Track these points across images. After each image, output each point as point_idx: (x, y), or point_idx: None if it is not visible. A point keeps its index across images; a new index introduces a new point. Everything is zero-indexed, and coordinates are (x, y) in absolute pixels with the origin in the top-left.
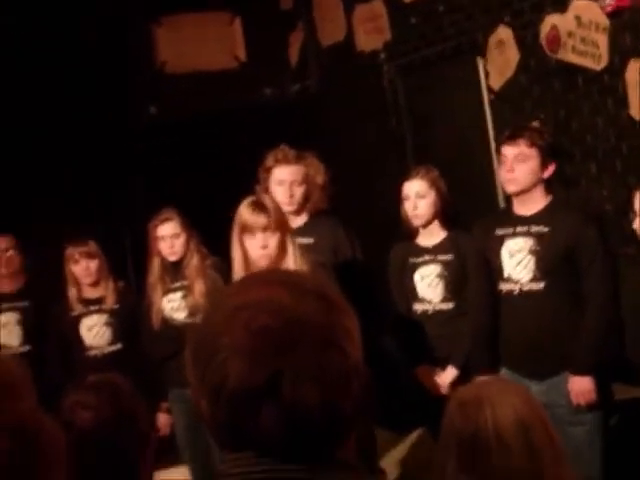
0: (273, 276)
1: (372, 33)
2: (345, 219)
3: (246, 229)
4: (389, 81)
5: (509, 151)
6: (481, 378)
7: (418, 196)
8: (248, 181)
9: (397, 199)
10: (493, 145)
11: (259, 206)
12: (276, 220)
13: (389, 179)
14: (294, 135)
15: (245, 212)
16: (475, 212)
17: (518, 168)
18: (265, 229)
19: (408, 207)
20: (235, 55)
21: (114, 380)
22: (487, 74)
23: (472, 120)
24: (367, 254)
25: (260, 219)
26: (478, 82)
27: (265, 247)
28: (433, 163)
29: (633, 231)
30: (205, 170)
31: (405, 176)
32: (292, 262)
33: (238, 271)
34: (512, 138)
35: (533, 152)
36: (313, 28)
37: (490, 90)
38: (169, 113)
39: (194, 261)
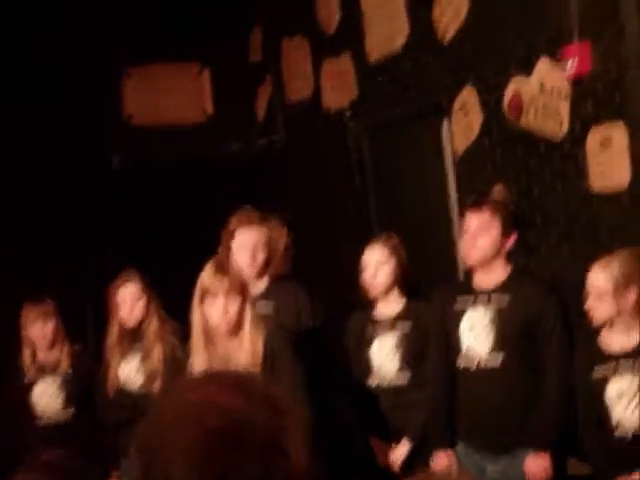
0: (227, 378)
1: (339, 90)
2: (307, 284)
3: (207, 293)
4: (354, 140)
5: (471, 221)
6: (430, 473)
7: (378, 264)
8: (212, 237)
9: (359, 264)
10: (455, 209)
11: (222, 270)
12: (238, 285)
13: (352, 242)
14: (259, 190)
15: (207, 276)
16: (436, 280)
17: (480, 238)
18: (227, 293)
19: (367, 275)
20: (203, 108)
21: (65, 460)
22: (451, 136)
23: (435, 183)
24: (328, 320)
25: (222, 283)
26: (442, 144)
27: (226, 312)
28: (396, 226)
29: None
30: (170, 225)
31: (366, 243)
32: (248, 333)
33: (197, 336)
34: (475, 207)
35: (495, 222)
36: (281, 82)
37: (453, 153)
38: (134, 165)
39: (153, 325)
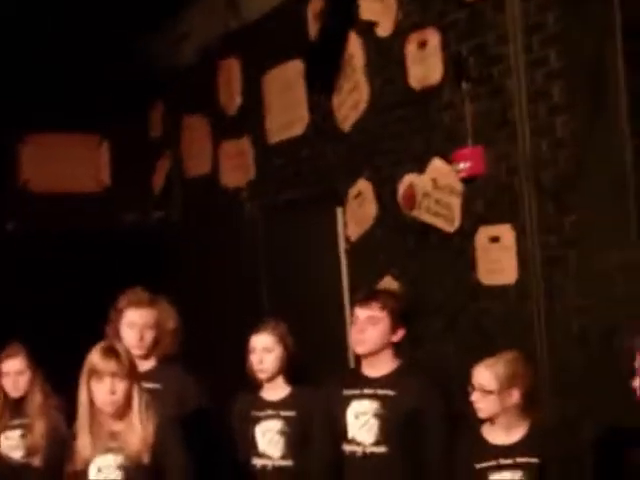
0: None
1: (237, 170)
2: (194, 365)
3: (95, 373)
4: (250, 220)
5: (361, 313)
6: None
7: (265, 350)
8: (102, 311)
9: (247, 347)
10: (347, 295)
11: (111, 352)
12: (126, 367)
13: (242, 323)
14: (153, 263)
15: (96, 356)
16: (325, 367)
17: (368, 330)
18: (114, 375)
19: (254, 360)
20: (99, 179)
21: None
22: (345, 224)
23: (328, 268)
24: (216, 402)
25: (110, 365)
26: (336, 231)
27: (113, 393)
28: (287, 309)
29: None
30: (59, 293)
31: (255, 326)
32: (137, 416)
33: (83, 415)
34: (365, 300)
35: (384, 316)
36: (180, 158)
37: (347, 240)
38: (27, 230)
39: (37, 399)
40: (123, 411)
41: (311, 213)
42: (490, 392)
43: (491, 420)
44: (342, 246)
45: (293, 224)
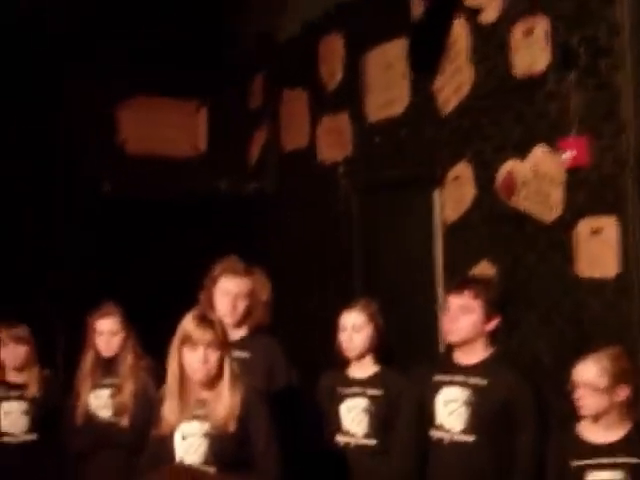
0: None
1: (334, 146)
2: (284, 338)
3: (188, 341)
4: (345, 196)
5: (453, 301)
6: None
7: (354, 329)
8: (194, 277)
9: (337, 324)
10: (441, 279)
11: (206, 321)
12: (220, 338)
13: (333, 300)
14: (245, 233)
15: (190, 325)
16: (413, 350)
17: (461, 319)
18: (209, 345)
19: (343, 338)
20: (196, 144)
21: None
22: (442, 206)
23: (422, 251)
24: (304, 376)
25: (206, 335)
26: (432, 213)
27: (206, 362)
28: (378, 289)
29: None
30: (153, 257)
31: (345, 305)
32: (227, 386)
33: (172, 381)
34: (458, 288)
35: (477, 304)
36: (277, 131)
37: (443, 223)
38: (124, 191)
39: (128, 360)
40: (213, 380)
41: (408, 193)
42: (597, 388)
43: (594, 417)
44: (438, 229)
45: (389, 204)
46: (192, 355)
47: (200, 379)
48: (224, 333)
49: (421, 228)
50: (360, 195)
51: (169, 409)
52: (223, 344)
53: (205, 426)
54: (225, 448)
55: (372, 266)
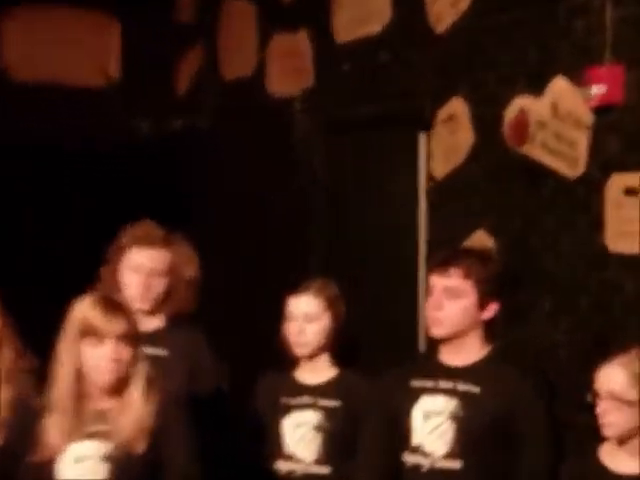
0: None
1: (289, 74)
2: (212, 331)
3: (92, 333)
4: (302, 140)
5: (438, 282)
6: None
7: (306, 318)
8: (96, 248)
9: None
10: (423, 253)
11: (114, 307)
12: (133, 330)
13: (281, 279)
14: (168, 187)
15: (93, 311)
16: (386, 347)
17: (447, 306)
18: (120, 338)
19: (292, 330)
20: (106, 71)
21: None
22: (430, 155)
23: (400, 216)
24: (237, 380)
25: (116, 324)
26: (416, 164)
27: (117, 360)
28: (341, 265)
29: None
30: (40, 223)
31: (295, 287)
32: (137, 393)
33: (62, 388)
34: (443, 265)
35: (469, 286)
36: (214, 53)
37: (430, 178)
38: (6, 134)
39: (4, 359)
40: (119, 385)
41: (385, 138)
42: (627, 402)
43: (619, 440)
44: (422, 185)
45: (360, 151)
46: (97, 351)
47: (107, 382)
48: (136, 325)
49: (401, 185)
50: (322, 139)
51: (56, 425)
52: (135, 337)
53: (105, 446)
54: (132, 475)
55: (334, 235)
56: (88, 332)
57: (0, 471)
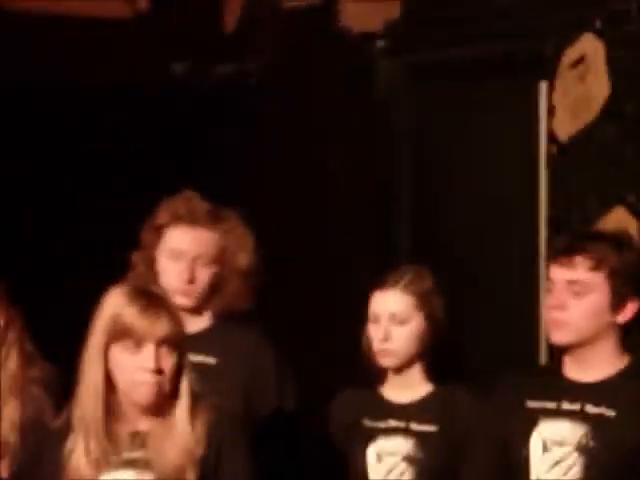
0: None
1: (370, 3)
2: (274, 333)
3: (126, 337)
4: (385, 86)
5: (561, 275)
6: None
7: (395, 320)
8: (125, 228)
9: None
10: (544, 234)
11: (155, 303)
12: (179, 333)
13: (359, 269)
14: (210, 152)
15: (128, 310)
16: (495, 360)
17: (573, 305)
18: (163, 342)
19: (375, 333)
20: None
21: None
22: (552, 110)
23: (513, 186)
24: (308, 397)
25: (158, 326)
26: (535, 121)
27: (160, 371)
28: (436, 249)
29: None
30: (53, 194)
31: (380, 280)
32: (184, 412)
33: (92, 402)
34: (567, 254)
35: (600, 280)
36: None
37: (553, 138)
38: (6, 74)
39: (11, 365)
40: (160, 402)
41: (492, 88)
42: None
43: None
44: (542, 149)
45: (459, 102)
46: (133, 359)
47: (146, 398)
48: (181, 322)
49: (513, 149)
50: (411, 86)
51: (83, 450)
52: (180, 342)
53: (146, 477)
54: None
55: (428, 208)
56: (122, 334)
57: None
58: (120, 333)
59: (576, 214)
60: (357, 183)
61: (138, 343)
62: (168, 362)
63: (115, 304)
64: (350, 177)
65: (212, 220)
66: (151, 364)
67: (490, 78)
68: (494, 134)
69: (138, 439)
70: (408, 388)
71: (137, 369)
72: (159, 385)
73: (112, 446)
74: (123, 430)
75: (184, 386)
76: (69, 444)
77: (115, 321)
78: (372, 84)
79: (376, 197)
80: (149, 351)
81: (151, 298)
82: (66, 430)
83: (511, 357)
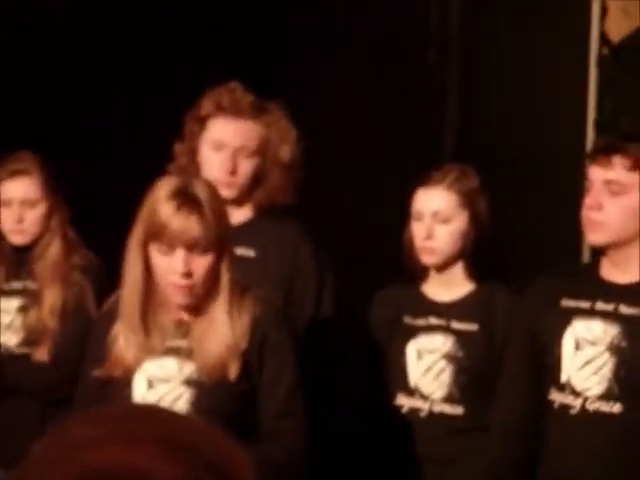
0: (151, 427)
1: None
2: (317, 226)
3: (160, 237)
4: None
5: (598, 174)
6: None
7: (438, 218)
8: (170, 119)
9: (408, 208)
10: (591, 141)
11: (190, 201)
12: (215, 229)
13: (402, 165)
14: (259, 45)
15: (164, 207)
16: (539, 261)
17: (609, 205)
18: (194, 245)
19: (418, 231)
20: None
21: None
22: (604, 11)
23: (563, 87)
24: (348, 292)
25: (190, 226)
26: (586, 22)
27: (188, 275)
28: (482, 148)
29: None
30: (99, 83)
31: (423, 177)
32: (224, 302)
33: (133, 293)
34: (605, 153)
35: (637, 180)
36: None
37: (604, 40)
38: None
39: (54, 250)
40: (204, 300)
41: None
42: None
43: None
44: (593, 51)
45: (509, 4)
46: (166, 261)
47: (181, 299)
48: (222, 216)
49: (565, 47)
50: None
51: (126, 336)
52: (220, 239)
53: (188, 368)
54: (219, 407)
55: (475, 108)
56: (156, 235)
57: (49, 389)
58: (154, 234)
59: (625, 118)
60: (403, 77)
61: (170, 246)
62: (200, 265)
63: (154, 201)
64: (396, 72)
65: (255, 112)
66: (180, 267)
67: None
68: (542, 35)
69: (182, 328)
70: (449, 286)
71: (168, 271)
72: (190, 288)
73: (157, 333)
74: (168, 319)
75: (223, 283)
76: (113, 331)
77: (151, 218)
78: None
79: (422, 93)
80: (179, 255)
81: (187, 199)
82: (109, 317)
83: (555, 257)
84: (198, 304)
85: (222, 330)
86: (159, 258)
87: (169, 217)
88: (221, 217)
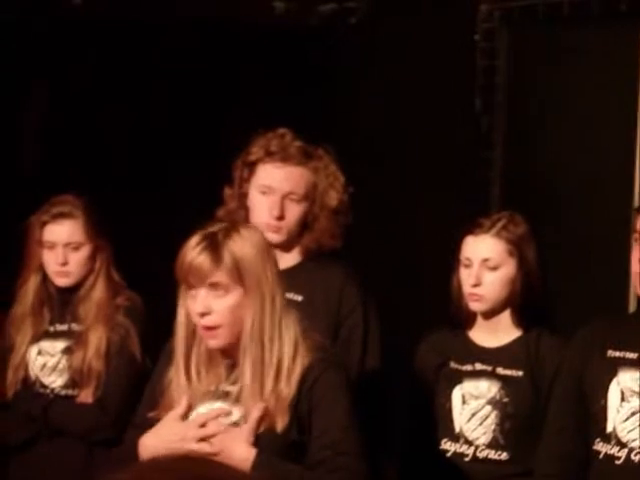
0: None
1: None
2: (363, 272)
3: (183, 279)
4: (485, 34)
5: None
6: None
7: (486, 265)
8: (219, 162)
9: (456, 255)
10: (638, 185)
11: (210, 243)
12: (237, 274)
13: (450, 213)
14: (304, 89)
15: (189, 255)
16: (587, 309)
17: None
18: (212, 286)
19: (467, 278)
20: None
21: None
22: None
23: (613, 129)
24: (395, 338)
25: (207, 269)
26: (633, 67)
27: (204, 314)
28: (531, 193)
29: None
30: (145, 125)
31: (472, 224)
32: (260, 353)
33: (178, 340)
34: None
35: None
36: None
37: None
38: (101, 7)
39: (97, 292)
40: (235, 345)
41: (594, 32)
42: None
43: None
44: None
45: (559, 48)
46: (192, 303)
47: (211, 344)
48: (248, 260)
49: (615, 98)
50: (510, 33)
51: (177, 382)
52: (247, 282)
53: (236, 413)
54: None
55: (519, 163)
56: (180, 276)
57: (94, 431)
58: (180, 277)
59: None
60: (450, 125)
61: (190, 287)
62: (219, 305)
63: (184, 246)
64: (443, 120)
65: (304, 157)
66: (196, 306)
67: (592, 22)
68: (595, 83)
69: (235, 373)
70: (496, 333)
71: (193, 313)
72: (211, 329)
73: (211, 378)
74: (222, 362)
75: (248, 330)
76: (169, 375)
77: (181, 265)
78: (472, 28)
79: (469, 140)
80: (198, 294)
81: (208, 242)
82: (168, 359)
83: (601, 308)
84: (233, 348)
85: (264, 380)
86: (189, 301)
87: (192, 258)
88: (246, 260)
